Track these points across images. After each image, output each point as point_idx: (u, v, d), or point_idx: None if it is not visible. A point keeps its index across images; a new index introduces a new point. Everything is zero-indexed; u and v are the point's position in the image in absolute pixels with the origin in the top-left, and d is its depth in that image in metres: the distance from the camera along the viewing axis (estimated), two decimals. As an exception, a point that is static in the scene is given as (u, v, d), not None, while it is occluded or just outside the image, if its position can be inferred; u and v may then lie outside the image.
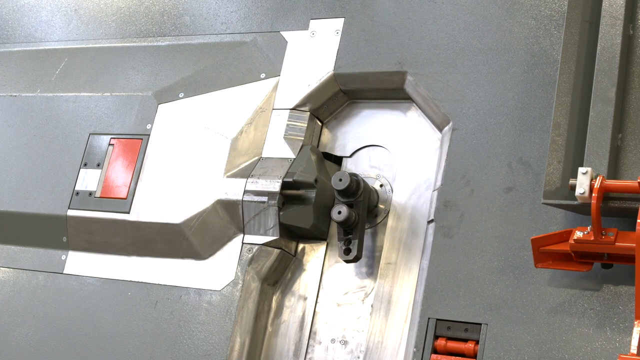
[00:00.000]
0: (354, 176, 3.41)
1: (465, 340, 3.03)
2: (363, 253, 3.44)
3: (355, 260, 3.41)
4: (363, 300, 3.49)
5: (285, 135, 3.68)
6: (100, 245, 3.89)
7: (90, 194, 3.92)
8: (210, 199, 3.62)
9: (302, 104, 3.71)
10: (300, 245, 3.67)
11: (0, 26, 4.76)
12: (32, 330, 3.89)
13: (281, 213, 3.50)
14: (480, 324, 3.01)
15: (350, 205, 3.41)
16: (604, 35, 2.98)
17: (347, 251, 3.40)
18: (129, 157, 3.89)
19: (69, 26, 4.53)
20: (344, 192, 3.40)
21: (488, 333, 2.98)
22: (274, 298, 3.63)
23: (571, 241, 2.77)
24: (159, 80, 4.05)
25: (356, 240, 3.40)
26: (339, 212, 3.36)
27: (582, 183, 2.74)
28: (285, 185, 3.50)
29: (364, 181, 3.47)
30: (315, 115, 3.75)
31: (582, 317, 2.87)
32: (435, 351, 3.06)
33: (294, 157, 3.61)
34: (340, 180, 3.38)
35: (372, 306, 3.46)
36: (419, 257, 3.41)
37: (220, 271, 3.59)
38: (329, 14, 3.79)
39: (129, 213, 3.79)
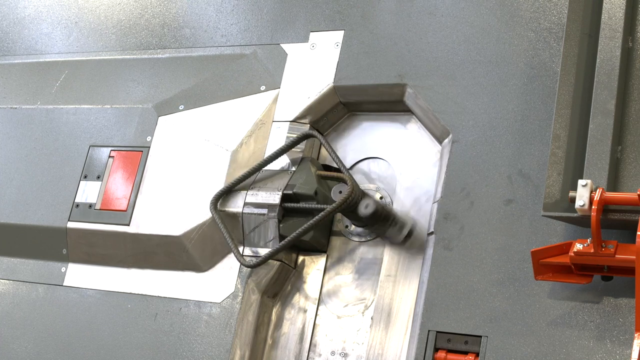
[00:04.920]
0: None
1: (465, 353, 3.02)
2: (363, 266, 3.45)
3: (410, 235, 3.43)
4: (363, 313, 3.49)
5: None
6: (100, 257, 3.89)
7: (90, 206, 3.92)
8: (210, 212, 3.62)
9: (302, 116, 3.72)
10: (300, 258, 3.67)
11: (0, 38, 4.77)
12: (32, 342, 3.88)
13: (281, 225, 3.50)
14: (481, 337, 3.00)
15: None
16: (603, 48, 2.98)
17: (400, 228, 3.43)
18: (129, 169, 3.89)
19: (70, 38, 4.54)
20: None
21: (488, 345, 2.98)
22: (274, 310, 3.63)
23: (571, 253, 2.77)
24: (159, 92, 4.05)
25: (396, 220, 3.43)
26: (366, 206, 3.35)
27: (581, 195, 2.74)
28: (285, 198, 3.50)
29: (363, 191, 3.47)
30: (315, 127, 3.75)
31: (582, 330, 2.86)
32: (435, 363, 3.07)
33: (294, 169, 3.61)
34: (340, 192, 3.39)
35: (372, 318, 3.46)
36: (418, 269, 3.41)
37: (220, 283, 3.59)
38: (329, 26, 3.80)
39: (129, 225, 3.79)
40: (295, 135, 3.64)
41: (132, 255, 3.80)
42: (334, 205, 3.35)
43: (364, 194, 3.43)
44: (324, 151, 3.78)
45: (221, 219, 3.54)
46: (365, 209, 3.36)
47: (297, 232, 3.38)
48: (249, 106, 3.79)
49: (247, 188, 3.59)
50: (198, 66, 4.05)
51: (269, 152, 3.70)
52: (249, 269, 3.52)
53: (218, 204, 3.59)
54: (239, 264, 3.56)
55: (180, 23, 4.25)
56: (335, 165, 3.71)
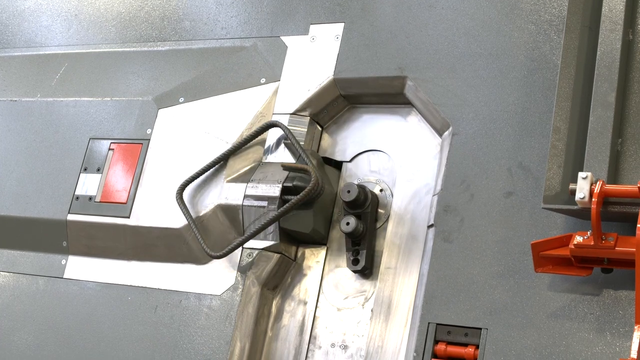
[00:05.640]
0: (361, 188, 3.43)
1: (465, 345, 3.03)
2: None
3: (363, 270, 3.44)
4: (363, 305, 3.49)
5: (285, 140, 3.68)
6: (100, 249, 3.89)
7: (90, 198, 3.92)
8: (210, 204, 3.62)
9: (302, 108, 3.72)
10: (300, 250, 3.67)
11: (0, 31, 4.76)
12: (32, 334, 3.89)
13: (281, 218, 3.50)
14: (480, 329, 3.01)
15: (357, 216, 3.44)
16: (603, 40, 2.98)
17: (356, 261, 3.44)
18: (129, 162, 3.89)
19: (69, 31, 4.53)
20: (352, 204, 3.43)
21: (488, 337, 2.98)
22: (274, 302, 3.63)
23: (571, 246, 2.77)
24: (159, 85, 4.05)
25: (364, 251, 3.43)
26: (347, 224, 3.39)
27: (582, 188, 2.74)
28: (285, 190, 3.50)
29: (371, 192, 3.49)
30: (315, 120, 3.75)
31: (582, 322, 2.87)
32: (435, 356, 3.06)
33: (294, 162, 3.61)
34: (348, 192, 3.41)
35: (372, 311, 3.46)
36: (419, 261, 3.41)
37: (220, 276, 3.59)
38: (329, 19, 3.80)
39: (129, 218, 3.79)
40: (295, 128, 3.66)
41: (132, 247, 3.81)
42: (296, 197, 3.38)
43: (323, 187, 3.47)
44: (324, 143, 3.78)
45: (186, 209, 3.58)
46: (346, 225, 3.42)
47: (261, 224, 3.41)
48: (249, 99, 3.79)
49: (247, 180, 3.59)
50: (198, 59, 4.05)
51: (268, 144, 3.70)
52: (248, 261, 3.52)
53: (183, 193, 3.64)
54: (239, 256, 3.57)
55: (180, 15, 4.24)
56: (337, 158, 3.72)
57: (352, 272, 3.53)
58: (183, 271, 3.68)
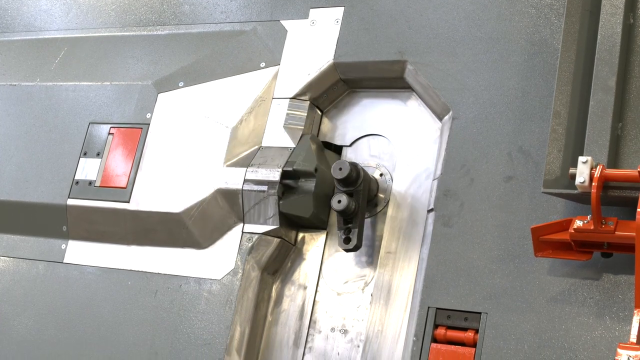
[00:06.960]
0: (353, 165, 3.41)
1: (465, 329, 3.03)
2: (363, 242, 3.44)
3: (355, 249, 3.42)
4: (363, 290, 3.50)
5: (285, 124, 3.68)
6: (100, 234, 3.89)
7: (90, 183, 3.92)
8: (210, 188, 3.62)
9: (302, 93, 3.71)
10: (300, 235, 3.67)
11: (-1, 15, 4.76)
12: (32, 319, 3.89)
13: (281, 202, 3.50)
14: (480, 313, 3.01)
15: (350, 195, 3.42)
16: (604, 24, 2.97)
17: (347, 240, 3.41)
18: (129, 146, 3.89)
19: (69, 15, 4.52)
20: (344, 181, 3.41)
21: (488, 322, 2.98)
22: (274, 287, 3.64)
23: (571, 230, 2.77)
24: (159, 69, 4.04)
25: (356, 229, 3.41)
26: (339, 201, 3.37)
27: (582, 172, 2.74)
28: (285, 175, 3.50)
29: (363, 170, 3.47)
30: (315, 104, 3.75)
31: (581, 306, 2.87)
32: (434, 340, 3.07)
33: (294, 146, 3.61)
34: (340, 169, 3.39)
35: (372, 295, 3.46)
36: (418, 246, 3.41)
37: (220, 260, 3.59)
38: (329, 2, 3.79)
39: (128, 202, 3.79)
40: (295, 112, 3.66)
41: (132, 232, 3.81)
42: None
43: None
44: (324, 127, 3.77)
45: None
46: (338, 203, 3.39)
47: None
48: (248, 83, 3.78)
49: (247, 165, 3.59)
50: (197, 43, 4.04)
51: (269, 128, 3.69)
52: (248, 246, 3.53)
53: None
54: (239, 240, 3.57)
55: (179, -1, 4.23)
56: (337, 143, 3.72)
57: (352, 257, 3.53)
58: (183, 256, 3.69)
